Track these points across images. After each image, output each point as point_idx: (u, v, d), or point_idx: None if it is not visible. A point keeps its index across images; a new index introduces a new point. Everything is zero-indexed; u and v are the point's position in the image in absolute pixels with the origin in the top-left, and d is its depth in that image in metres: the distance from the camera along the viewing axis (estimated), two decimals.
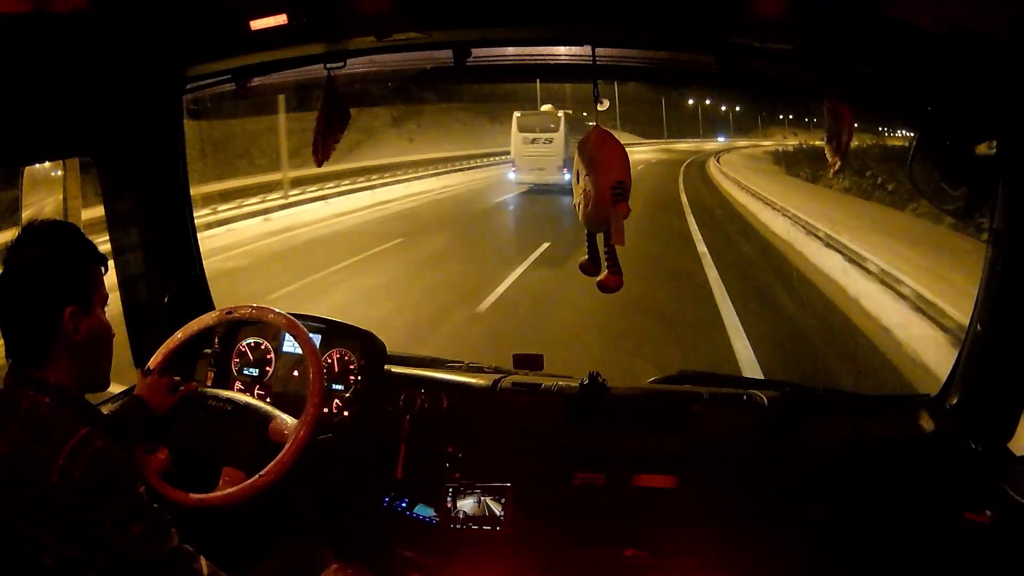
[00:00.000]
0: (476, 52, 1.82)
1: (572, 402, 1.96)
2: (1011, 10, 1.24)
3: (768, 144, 64.61)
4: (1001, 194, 1.58)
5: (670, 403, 1.95)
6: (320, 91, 1.81)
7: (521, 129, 17.67)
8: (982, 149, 1.55)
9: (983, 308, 1.67)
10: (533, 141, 17.41)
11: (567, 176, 16.25)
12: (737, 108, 77.86)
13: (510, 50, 1.92)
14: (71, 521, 1.13)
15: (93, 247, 1.30)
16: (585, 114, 21.15)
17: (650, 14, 1.48)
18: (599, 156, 1.52)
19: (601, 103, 1.63)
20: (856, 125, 1.62)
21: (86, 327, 1.25)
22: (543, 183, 17.32)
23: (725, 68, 1.71)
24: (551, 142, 17.40)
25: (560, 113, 18.15)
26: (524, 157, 17.70)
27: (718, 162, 33.36)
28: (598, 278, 1.58)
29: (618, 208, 1.47)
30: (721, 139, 70.49)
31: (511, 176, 18.32)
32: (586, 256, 1.63)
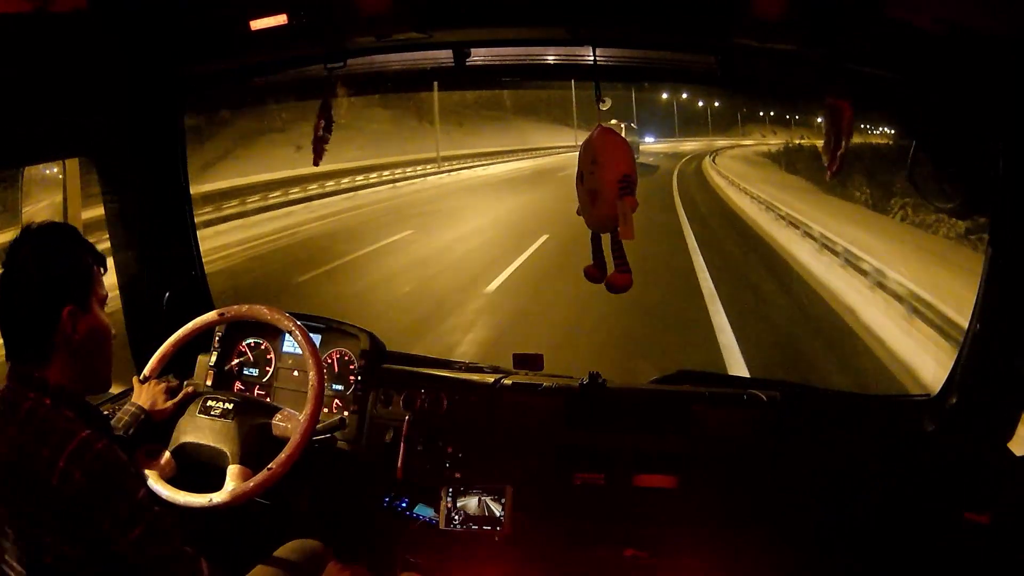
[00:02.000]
0: (476, 52, 1.82)
1: (572, 402, 1.96)
2: (1011, 10, 1.23)
3: (750, 143, 60.01)
4: (1001, 194, 1.58)
5: (670, 403, 1.95)
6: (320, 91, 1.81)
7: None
8: (982, 149, 1.55)
9: (983, 308, 1.67)
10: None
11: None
12: (716, 104, 71.21)
13: (510, 50, 1.92)
14: (71, 522, 1.13)
15: (91, 246, 1.30)
16: (634, 126, 32.05)
17: (650, 15, 1.48)
18: (604, 153, 1.51)
19: (603, 102, 1.62)
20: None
21: (84, 326, 1.25)
22: None
23: (725, 68, 1.71)
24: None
25: (623, 124, 30.29)
26: None
27: (714, 163, 30.01)
28: (605, 279, 1.51)
29: (625, 201, 1.45)
30: (649, 139, 57.83)
31: None
32: (591, 262, 1.55)
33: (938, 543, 1.67)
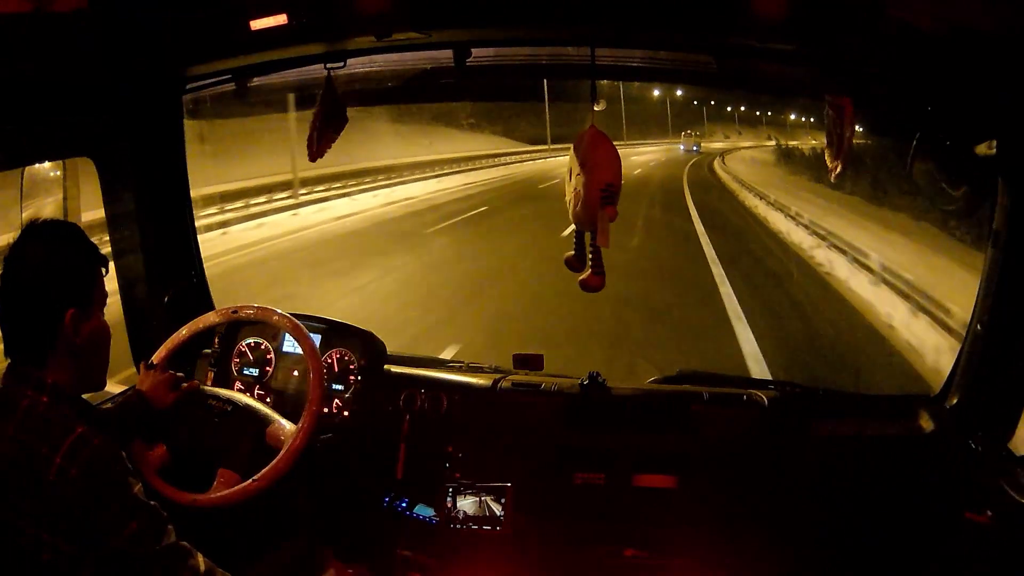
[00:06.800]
0: (476, 52, 1.81)
1: (572, 402, 1.96)
2: (1011, 10, 1.23)
3: (720, 145, 55.44)
4: (1001, 194, 1.58)
5: (670, 403, 1.95)
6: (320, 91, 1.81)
7: (684, 137, 51.28)
8: (982, 149, 1.55)
9: (983, 308, 1.67)
10: (687, 138, 52.00)
11: (695, 148, 47.21)
12: (679, 92, 59.61)
13: (510, 50, 1.92)
14: (68, 518, 1.13)
15: (94, 247, 1.29)
16: (697, 133, 58.89)
17: (650, 14, 1.48)
18: (591, 157, 1.52)
19: (599, 103, 1.63)
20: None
21: (86, 329, 1.25)
22: (689, 150, 46.72)
23: (724, 68, 1.71)
24: (691, 137, 53.65)
25: (692, 134, 56.38)
26: (684, 142, 49.61)
27: (740, 183, 19.46)
28: (580, 276, 1.60)
29: (605, 211, 1.49)
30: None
31: (681, 148, 47.60)
32: (572, 252, 1.66)
33: (938, 543, 1.67)
